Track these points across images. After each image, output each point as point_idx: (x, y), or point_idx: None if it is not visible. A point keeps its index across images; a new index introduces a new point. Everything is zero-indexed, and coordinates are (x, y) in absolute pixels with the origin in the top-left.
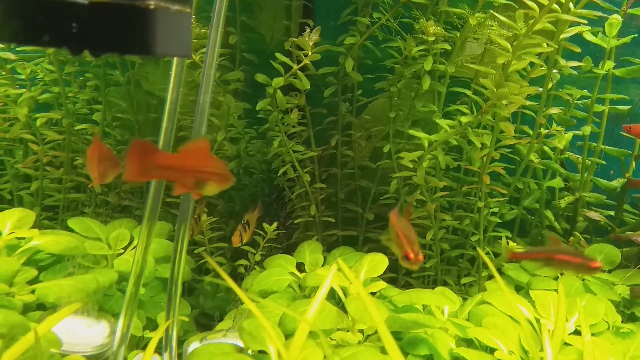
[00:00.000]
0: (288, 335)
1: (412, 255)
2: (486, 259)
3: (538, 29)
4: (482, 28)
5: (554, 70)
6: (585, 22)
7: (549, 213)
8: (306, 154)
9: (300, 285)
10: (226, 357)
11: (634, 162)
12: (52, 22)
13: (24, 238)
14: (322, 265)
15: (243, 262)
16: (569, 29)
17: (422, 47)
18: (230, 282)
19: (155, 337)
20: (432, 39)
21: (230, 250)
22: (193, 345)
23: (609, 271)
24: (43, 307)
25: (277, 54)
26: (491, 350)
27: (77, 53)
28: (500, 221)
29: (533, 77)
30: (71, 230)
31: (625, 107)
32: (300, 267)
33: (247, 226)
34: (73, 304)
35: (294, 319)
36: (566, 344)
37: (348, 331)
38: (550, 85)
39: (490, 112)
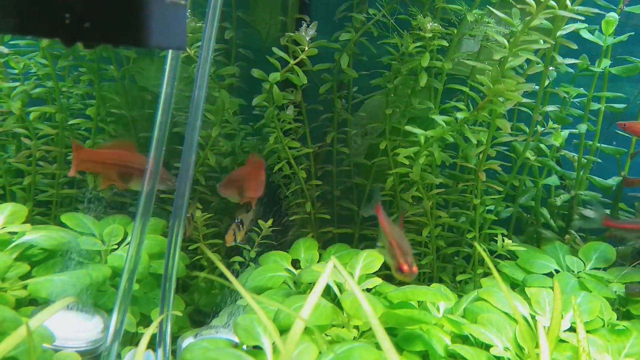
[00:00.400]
0: (283, 331)
1: (405, 267)
2: (484, 254)
3: (535, 25)
4: (479, 25)
5: (551, 68)
6: (582, 18)
7: (544, 211)
8: (302, 150)
9: (296, 282)
10: (220, 352)
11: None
12: (45, 13)
13: (16, 233)
14: (318, 262)
15: (238, 258)
16: (566, 26)
17: (419, 44)
18: (230, 276)
19: (148, 332)
20: (429, 35)
21: (224, 247)
22: (187, 340)
23: (604, 269)
24: (35, 303)
25: (274, 49)
26: (487, 347)
27: (70, 44)
28: (496, 218)
29: (530, 74)
30: (64, 226)
31: (621, 106)
32: (295, 264)
33: (240, 225)
34: (65, 299)
35: (289, 314)
36: (562, 340)
37: (343, 327)
38: (546, 83)
39: (487, 109)
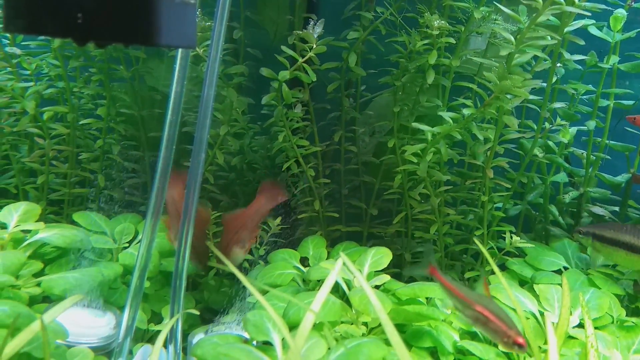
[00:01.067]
0: (292, 327)
1: (522, 340)
2: (485, 252)
3: (542, 22)
4: (487, 22)
5: (559, 65)
6: (589, 14)
7: (553, 208)
8: (310, 149)
9: (304, 279)
10: (231, 347)
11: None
12: (58, 13)
13: (29, 231)
14: (326, 260)
15: (247, 256)
16: (574, 22)
17: (426, 42)
18: (238, 274)
19: (165, 329)
20: (436, 33)
21: None
22: (198, 337)
23: (613, 266)
24: (48, 300)
25: (283, 47)
26: (495, 343)
27: (83, 44)
28: (504, 216)
29: (537, 71)
30: (76, 224)
31: (630, 102)
32: (304, 261)
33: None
34: (73, 297)
35: (298, 311)
36: (571, 337)
37: (352, 324)
38: (554, 80)
39: (494, 106)
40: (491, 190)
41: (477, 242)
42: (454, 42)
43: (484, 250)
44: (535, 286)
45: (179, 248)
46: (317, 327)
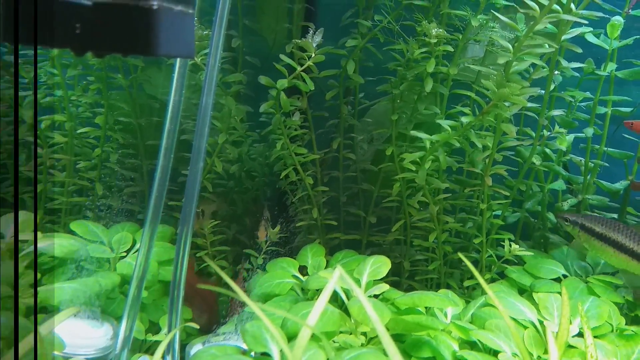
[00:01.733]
0: (291, 338)
1: None
2: (468, 263)
3: (539, 29)
4: (484, 30)
5: (556, 72)
6: (586, 22)
7: (551, 216)
8: (308, 157)
9: (303, 289)
10: (228, 358)
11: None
12: (56, 23)
13: (27, 241)
14: (325, 269)
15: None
16: (571, 30)
17: (424, 50)
18: (234, 287)
19: (165, 341)
20: (434, 41)
21: (232, 254)
22: (196, 347)
23: (613, 274)
24: (45, 310)
25: (282, 56)
26: (495, 353)
27: (81, 54)
28: (503, 223)
29: (535, 79)
30: (74, 234)
31: (628, 109)
32: (302, 270)
33: (267, 220)
34: (69, 309)
35: (296, 321)
36: (570, 346)
37: (351, 334)
38: (552, 87)
39: (492, 114)
40: (490, 197)
41: (461, 256)
42: (452, 50)
43: (468, 263)
44: (534, 294)
45: (177, 255)
46: (316, 337)
